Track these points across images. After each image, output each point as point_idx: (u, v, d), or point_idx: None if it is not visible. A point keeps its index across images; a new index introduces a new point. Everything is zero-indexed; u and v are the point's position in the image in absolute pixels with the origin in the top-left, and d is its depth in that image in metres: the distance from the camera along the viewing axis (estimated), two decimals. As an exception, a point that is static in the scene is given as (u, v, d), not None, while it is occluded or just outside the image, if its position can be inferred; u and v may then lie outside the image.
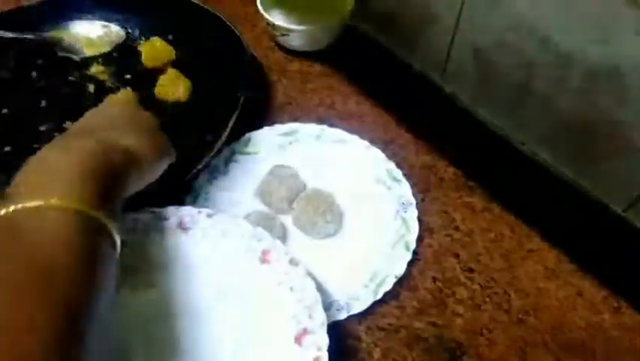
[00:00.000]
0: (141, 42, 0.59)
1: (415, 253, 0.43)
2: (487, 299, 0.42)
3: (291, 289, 0.36)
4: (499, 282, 0.43)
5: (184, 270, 0.38)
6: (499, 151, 0.52)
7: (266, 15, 0.58)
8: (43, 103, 0.55)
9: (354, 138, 0.51)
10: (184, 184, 0.47)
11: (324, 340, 0.34)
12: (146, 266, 0.38)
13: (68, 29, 0.59)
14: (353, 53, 0.61)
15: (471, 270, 0.44)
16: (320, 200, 0.45)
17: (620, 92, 0.40)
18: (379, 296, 0.41)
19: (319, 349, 0.33)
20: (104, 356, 0.26)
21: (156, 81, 0.54)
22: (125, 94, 0.51)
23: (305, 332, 0.34)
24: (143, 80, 0.56)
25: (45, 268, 0.25)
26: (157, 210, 0.40)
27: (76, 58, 0.58)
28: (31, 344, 0.22)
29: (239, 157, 0.50)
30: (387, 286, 0.41)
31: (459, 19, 0.50)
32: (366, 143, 0.50)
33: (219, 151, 0.49)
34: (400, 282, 0.42)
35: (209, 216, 0.39)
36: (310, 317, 0.35)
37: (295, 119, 0.53)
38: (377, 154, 0.49)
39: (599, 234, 0.46)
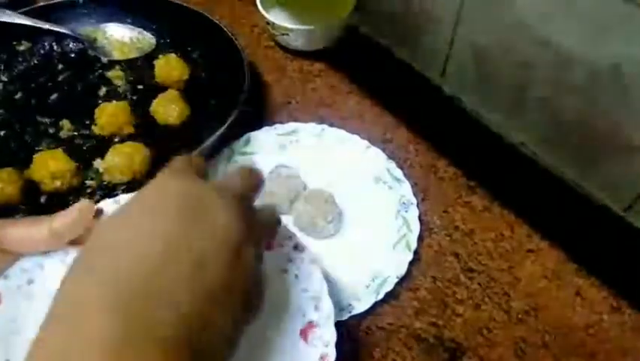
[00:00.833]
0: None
1: (415, 252, 0.43)
2: (487, 299, 0.42)
3: (296, 276, 0.34)
4: (499, 282, 0.43)
5: None
6: (499, 151, 0.52)
7: (266, 15, 0.58)
8: (54, 96, 0.55)
9: (354, 137, 0.51)
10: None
11: (332, 335, 0.32)
12: None
13: (103, 30, 0.60)
14: (353, 53, 0.61)
15: (471, 270, 0.44)
16: (320, 200, 0.45)
17: (620, 92, 0.40)
18: (381, 297, 0.41)
19: (326, 345, 0.32)
20: None
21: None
22: (182, 161, 0.28)
23: (311, 325, 0.32)
24: (150, 94, 0.53)
25: None
26: None
27: (104, 59, 0.58)
28: None
29: (239, 157, 0.50)
30: (389, 286, 0.41)
31: (459, 20, 0.50)
32: (366, 143, 0.50)
33: (219, 151, 0.49)
34: (400, 282, 0.42)
35: None
36: (317, 308, 0.33)
37: (295, 119, 0.53)
38: (377, 154, 0.49)
39: (599, 234, 0.46)
